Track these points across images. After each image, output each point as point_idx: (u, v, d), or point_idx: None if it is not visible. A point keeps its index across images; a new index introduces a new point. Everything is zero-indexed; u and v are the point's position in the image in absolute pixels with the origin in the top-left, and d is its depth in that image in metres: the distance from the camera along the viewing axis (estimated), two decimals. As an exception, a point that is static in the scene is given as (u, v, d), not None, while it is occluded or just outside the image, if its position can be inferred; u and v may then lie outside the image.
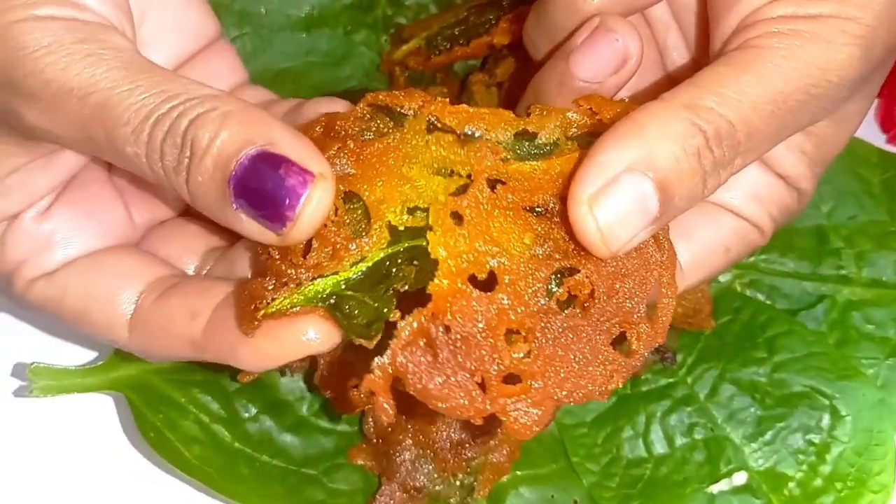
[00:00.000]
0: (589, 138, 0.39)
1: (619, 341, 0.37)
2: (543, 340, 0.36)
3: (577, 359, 0.36)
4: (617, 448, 0.56)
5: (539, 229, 0.37)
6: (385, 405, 0.35)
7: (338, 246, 0.37)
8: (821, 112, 0.40)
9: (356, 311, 0.36)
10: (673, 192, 0.36)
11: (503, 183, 0.38)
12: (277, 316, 0.36)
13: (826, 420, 0.55)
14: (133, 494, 0.55)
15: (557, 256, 0.37)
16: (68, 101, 0.36)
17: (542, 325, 0.36)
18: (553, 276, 0.37)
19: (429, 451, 0.52)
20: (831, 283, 0.59)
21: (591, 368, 0.37)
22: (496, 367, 0.35)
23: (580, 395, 0.37)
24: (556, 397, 0.36)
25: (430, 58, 0.62)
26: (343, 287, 0.36)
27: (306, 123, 0.41)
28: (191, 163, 0.35)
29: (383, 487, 0.53)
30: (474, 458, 0.53)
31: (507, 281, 0.36)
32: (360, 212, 0.37)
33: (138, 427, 0.51)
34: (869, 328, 0.58)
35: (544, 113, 0.40)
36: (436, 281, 0.35)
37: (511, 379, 0.36)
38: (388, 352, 0.35)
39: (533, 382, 0.36)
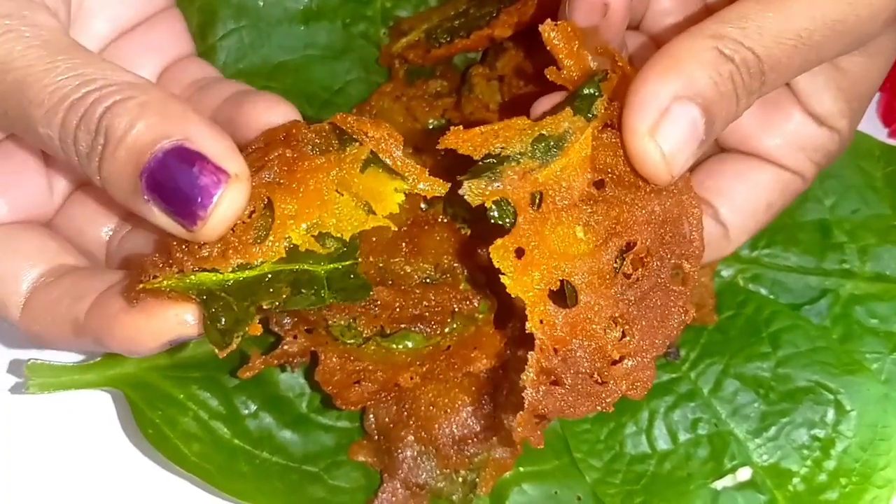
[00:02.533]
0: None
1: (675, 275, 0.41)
2: (630, 317, 0.39)
3: (658, 314, 0.40)
4: (620, 444, 0.55)
5: (586, 219, 0.40)
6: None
7: (231, 247, 0.37)
8: (847, 46, 0.41)
9: (220, 315, 0.37)
10: (715, 115, 0.38)
11: (541, 196, 0.40)
12: (156, 294, 0.36)
13: (831, 415, 0.55)
14: (132, 492, 0.54)
15: (610, 236, 0.39)
16: None
17: (624, 303, 0.39)
18: (615, 258, 0.40)
19: (431, 448, 0.52)
20: (835, 278, 0.59)
21: (669, 314, 0.41)
22: (605, 362, 0.39)
23: (669, 341, 0.41)
24: (654, 355, 0.40)
25: (429, 51, 0.62)
26: (220, 287, 0.37)
27: (275, 127, 0.42)
28: (104, 151, 0.35)
29: (385, 484, 0.52)
30: (477, 455, 0.52)
31: (580, 283, 0.39)
32: (269, 221, 0.38)
33: (137, 424, 0.51)
34: (873, 322, 0.58)
35: (556, 112, 0.41)
36: (529, 322, 0.38)
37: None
38: (526, 401, 0.39)
39: (633, 360, 0.40)
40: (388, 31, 0.64)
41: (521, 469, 0.54)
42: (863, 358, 0.56)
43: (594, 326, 0.39)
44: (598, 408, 0.39)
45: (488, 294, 0.52)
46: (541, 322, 0.38)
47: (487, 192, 0.39)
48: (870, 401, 0.55)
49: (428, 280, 0.52)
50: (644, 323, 0.40)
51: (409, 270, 0.52)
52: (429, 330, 0.50)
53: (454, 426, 0.52)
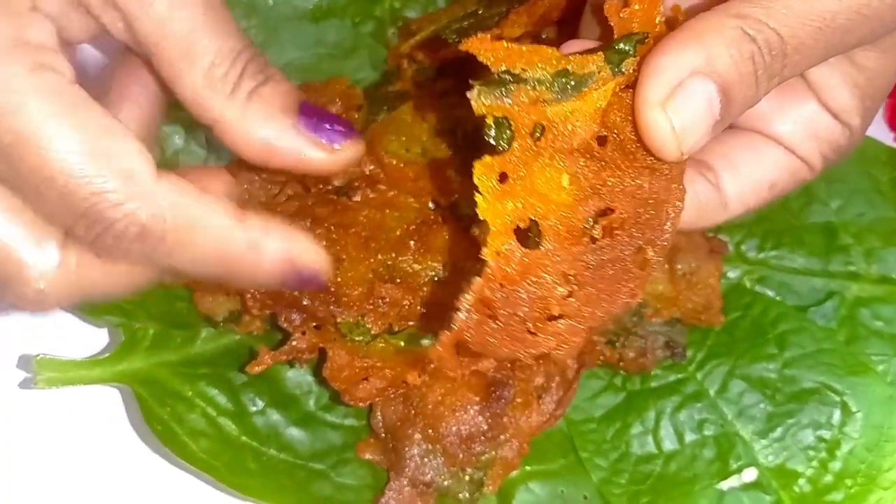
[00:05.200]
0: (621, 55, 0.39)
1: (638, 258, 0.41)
2: (582, 279, 0.39)
3: (608, 286, 0.40)
4: (626, 444, 0.56)
5: (576, 171, 0.39)
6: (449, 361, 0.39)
7: None
8: (870, 34, 0.41)
9: None
10: (733, 95, 0.38)
11: (543, 129, 0.38)
12: None
13: (836, 416, 0.55)
14: (140, 487, 0.55)
15: (592, 194, 0.39)
16: None
17: (581, 264, 0.39)
18: (589, 218, 0.39)
19: (438, 446, 0.52)
20: (840, 280, 0.59)
21: (618, 290, 0.40)
22: (543, 314, 0.38)
23: (607, 317, 0.40)
24: (591, 325, 0.39)
25: (438, 51, 0.62)
26: None
27: None
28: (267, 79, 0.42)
29: (391, 482, 0.52)
30: (484, 453, 0.52)
31: (549, 230, 0.38)
32: None
33: (145, 420, 0.51)
34: (878, 325, 0.58)
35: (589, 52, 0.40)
36: (487, 248, 0.37)
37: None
38: (455, 322, 0.37)
39: (570, 322, 0.39)
40: (397, 31, 0.64)
41: (528, 468, 0.54)
42: (868, 360, 0.56)
43: (546, 276, 0.38)
44: (519, 355, 0.39)
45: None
46: (497, 254, 0.37)
47: (494, 105, 0.38)
48: (875, 402, 0.55)
49: (436, 278, 0.52)
50: (592, 290, 0.39)
51: (417, 269, 0.52)
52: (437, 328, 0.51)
53: (461, 424, 0.52)
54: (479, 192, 0.37)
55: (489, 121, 0.38)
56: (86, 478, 0.54)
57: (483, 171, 0.37)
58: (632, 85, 0.40)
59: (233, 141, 0.41)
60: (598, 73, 0.39)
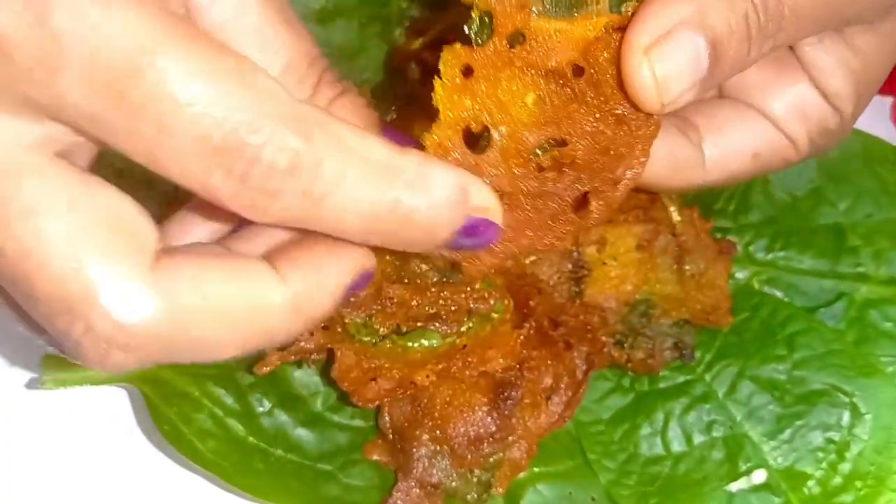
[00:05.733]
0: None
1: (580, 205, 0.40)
2: (514, 202, 0.38)
3: (538, 220, 0.39)
4: (634, 446, 0.55)
5: (543, 92, 0.37)
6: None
7: None
8: (869, 7, 0.40)
9: None
10: (723, 53, 0.36)
11: (524, 38, 0.37)
12: None
13: (846, 418, 0.54)
14: (148, 488, 0.54)
15: (551, 122, 0.38)
16: None
17: (518, 186, 0.38)
18: (542, 144, 0.38)
19: (445, 447, 0.52)
20: (849, 281, 0.59)
21: (546, 228, 0.40)
22: None
23: (525, 249, 0.40)
24: (510, 252, 0.39)
25: (445, 51, 0.62)
26: None
27: None
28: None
29: (399, 483, 0.52)
30: (492, 455, 0.52)
31: (496, 141, 0.37)
32: None
33: (153, 420, 0.51)
34: (887, 326, 0.58)
35: None
36: (428, 135, 0.36)
37: None
38: None
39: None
40: (404, 32, 0.64)
41: (536, 469, 0.54)
42: (878, 361, 0.56)
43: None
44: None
45: (504, 294, 0.52)
46: (438, 144, 0.36)
47: None
48: (885, 404, 0.55)
49: (444, 278, 0.52)
50: (521, 216, 0.38)
51: (425, 269, 0.52)
52: (445, 328, 0.50)
53: (469, 426, 0.52)
54: (439, 77, 0.36)
55: (474, 14, 0.36)
56: (93, 478, 0.54)
57: (450, 59, 0.36)
58: (624, 28, 0.38)
59: None
60: (597, 3, 0.37)
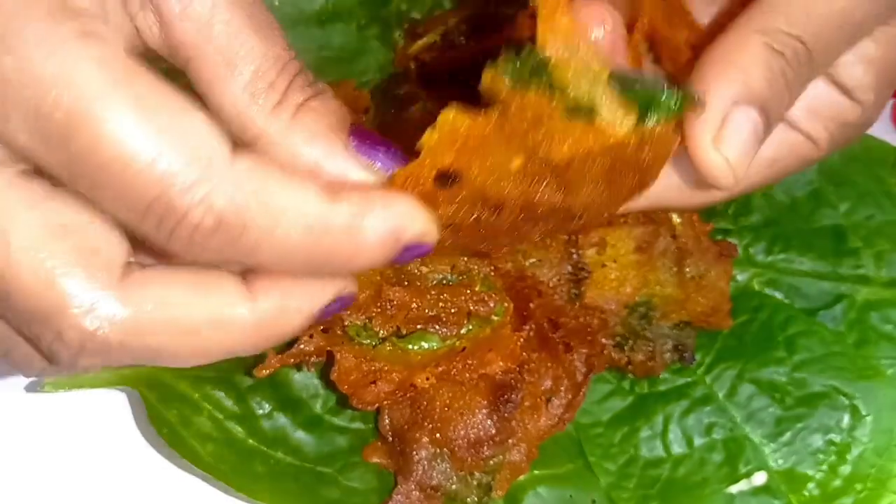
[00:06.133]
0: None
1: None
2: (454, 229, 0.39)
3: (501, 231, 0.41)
4: (634, 448, 0.55)
5: (530, 167, 0.37)
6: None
7: None
8: (886, 13, 0.41)
9: None
10: (771, 112, 0.39)
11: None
12: None
13: (846, 420, 0.54)
14: (147, 491, 0.54)
15: (519, 194, 0.38)
16: None
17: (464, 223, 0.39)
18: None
19: (445, 450, 0.52)
20: (850, 283, 0.59)
21: (511, 233, 0.41)
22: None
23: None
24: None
25: (445, 53, 0.62)
26: None
27: None
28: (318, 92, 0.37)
29: (399, 486, 0.52)
30: (492, 457, 0.52)
31: (468, 183, 0.37)
32: None
33: (152, 423, 0.51)
34: (888, 328, 0.58)
35: None
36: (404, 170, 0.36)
37: None
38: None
39: None
40: (404, 34, 0.64)
41: (536, 472, 0.54)
42: (878, 363, 0.56)
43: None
44: None
45: (504, 296, 0.52)
46: (406, 178, 0.36)
47: (504, 82, 0.34)
48: (885, 406, 0.54)
49: (444, 281, 0.52)
50: (477, 234, 0.40)
51: (424, 271, 0.52)
52: (444, 331, 0.50)
53: (469, 428, 0.52)
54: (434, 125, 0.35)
55: (488, 83, 0.34)
56: (93, 481, 0.54)
57: (448, 121, 0.34)
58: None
59: (276, 159, 0.36)
60: (617, 113, 0.36)
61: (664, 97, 0.36)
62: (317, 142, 0.36)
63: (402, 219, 0.36)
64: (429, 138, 0.35)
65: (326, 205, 0.34)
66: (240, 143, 0.36)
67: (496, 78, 0.34)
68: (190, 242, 0.33)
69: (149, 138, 0.31)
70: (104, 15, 0.34)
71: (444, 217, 0.38)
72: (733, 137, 0.38)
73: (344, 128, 0.37)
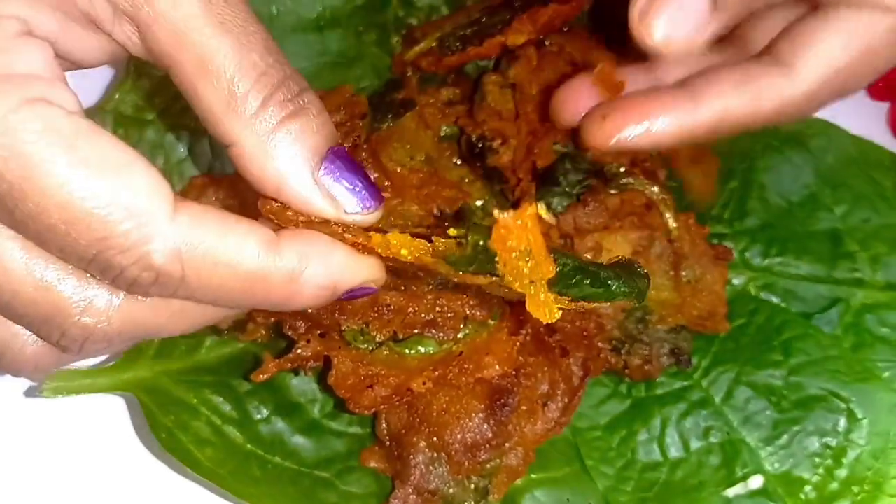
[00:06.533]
0: None
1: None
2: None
3: None
4: (632, 451, 0.55)
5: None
6: None
7: None
8: None
9: None
10: None
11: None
12: None
13: (842, 423, 0.54)
14: (146, 496, 0.54)
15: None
16: None
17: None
18: None
19: (443, 454, 0.52)
20: (846, 287, 0.59)
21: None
22: None
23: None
24: None
25: (441, 59, 0.62)
26: None
27: None
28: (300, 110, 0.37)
29: (397, 490, 0.52)
30: (489, 461, 0.52)
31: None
32: None
33: (150, 428, 0.51)
34: (884, 331, 0.58)
35: None
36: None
37: None
38: None
39: None
40: (401, 40, 0.65)
41: (533, 476, 0.54)
42: (874, 367, 0.56)
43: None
44: None
45: (500, 301, 0.52)
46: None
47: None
48: (882, 409, 0.55)
49: (440, 286, 0.52)
50: None
51: (421, 276, 0.52)
52: (441, 335, 0.51)
53: (466, 432, 0.52)
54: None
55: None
56: (91, 486, 0.54)
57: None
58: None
59: (244, 168, 0.38)
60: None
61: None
62: (287, 163, 0.37)
63: (341, 272, 0.38)
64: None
65: (267, 256, 0.37)
66: (221, 145, 0.38)
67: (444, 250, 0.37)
68: (131, 289, 0.36)
69: (90, 202, 0.33)
70: (52, 72, 0.35)
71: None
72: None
73: (320, 152, 0.38)
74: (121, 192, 0.34)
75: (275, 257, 0.37)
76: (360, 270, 0.39)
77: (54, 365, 0.40)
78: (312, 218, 0.38)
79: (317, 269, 0.38)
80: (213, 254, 0.36)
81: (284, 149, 0.37)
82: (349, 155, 0.39)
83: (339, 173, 0.38)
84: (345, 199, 0.38)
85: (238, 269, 0.36)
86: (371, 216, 0.39)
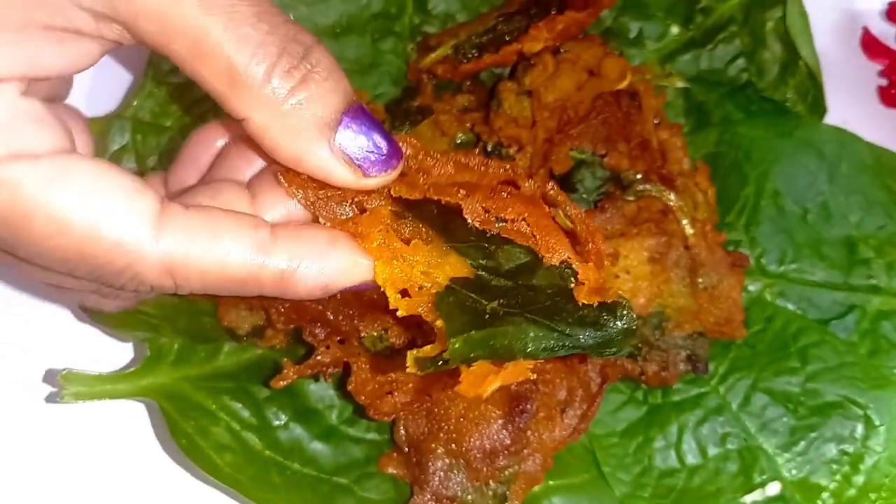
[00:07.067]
0: None
1: None
2: None
3: None
4: (649, 458, 0.55)
5: None
6: None
7: None
8: None
9: None
10: None
11: None
12: None
13: (860, 430, 0.55)
14: (166, 501, 0.55)
15: None
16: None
17: None
18: None
19: (461, 460, 0.52)
20: (861, 293, 0.59)
21: None
22: None
23: None
24: None
25: (457, 66, 0.62)
26: None
27: None
28: (312, 78, 0.36)
29: (415, 497, 0.52)
30: (507, 468, 0.52)
31: None
32: None
33: (171, 434, 0.51)
34: (900, 338, 0.58)
35: None
36: None
37: None
38: None
39: None
40: (416, 47, 0.65)
41: (551, 482, 0.54)
42: (891, 373, 0.56)
43: None
44: None
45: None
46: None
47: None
48: (899, 416, 0.55)
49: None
50: None
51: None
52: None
53: (485, 439, 0.52)
54: None
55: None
56: (112, 491, 0.55)
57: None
58: None
59: (260, 143, 0.38)
60: None
61: None
62: (300, 139, 0.37)
63: (333, 275, 0.38)
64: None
65: (255, 259, 0.37)
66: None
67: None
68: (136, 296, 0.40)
69: (76, 243, 0.35)
70: (17, 116, 0.35)
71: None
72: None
73: (336, 115, 0.37)
74: (101, 226, 0.35)
75: (265, 259, 0.37)
76: (354, 274, 0.39)
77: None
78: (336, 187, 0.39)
79: (309, 271, 0.38)
80: (200, 263, 0.36)
81: (296, 122, 0.37)
82: (365, 111, 0.38)
83: (355, 137, 0.38)
84: (365, 163, 0.38)
85: (226, 273, 0.37)
86: (392, 175, 0.39)
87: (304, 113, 0.36)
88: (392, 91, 0.65)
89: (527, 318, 0.38)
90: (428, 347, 0.38)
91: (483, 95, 0.63)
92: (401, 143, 0.40)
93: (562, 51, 0.60)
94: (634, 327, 0.39)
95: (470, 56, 0.62)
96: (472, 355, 0.37)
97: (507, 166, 0.41)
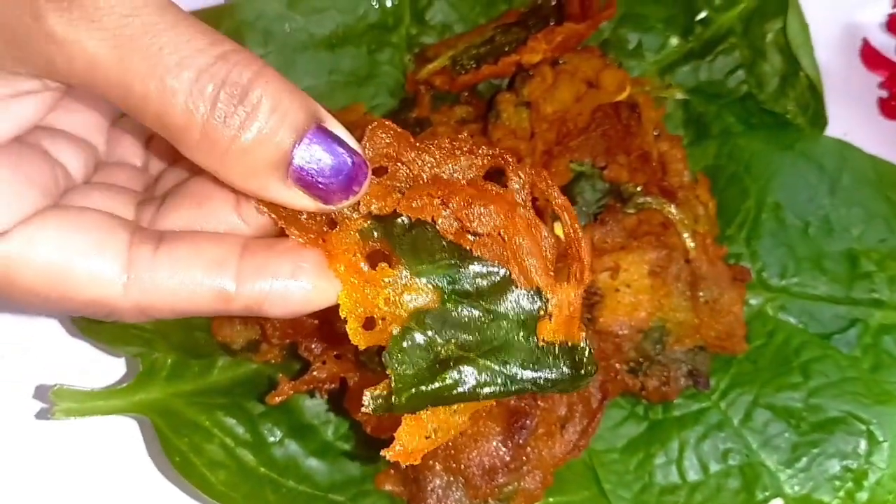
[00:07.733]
0: None
1: None
2: None
3: None
4: (650, 475, 0.55)
5: None
6: None
7: None
8: None
9: None
10: None
11: None
12: None
13: (863, 446, 0.54)
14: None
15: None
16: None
17: None
18: None
19: (459, 477, 0.51)
20: (864, 307, 0.58)
21: None
22: None
23: None
24: None
25: (455, 77, 0.62)
26: None
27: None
28: (249, 118, 0.34)
29: (412, 514, 0.52)
30: (506, 485, 0.51)
31: None
32: None
33: (164, 451, 0.50)
34: (902, 352, 0.57)
35: None
36: None
37: None
38: None
39: None
40: (414, 58, 0.64)
41: (551, 500, 0.54)
42: (894, 388, 0.56)
43: None
44: None
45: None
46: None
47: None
48: (902, 432, 0.54)
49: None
50: None
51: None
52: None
53: (483, 455, 0.51)
54: None
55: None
56: (102, 510, 0.54)
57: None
58: None
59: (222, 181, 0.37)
60: None
61: None
62: (253, 179, 0.36)
63: (298, 302, 0.38)
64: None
65: (224, 295, 0.37)
66: None
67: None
68: None
69: (57, 298, 0.37)
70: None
71: None
72: None
73: (283, 154, 0.35)
74: (72, 290, 0.37)
75: (231, 295, 0.37)
76: (320, 302, 0.38)
77: None
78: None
79: (275, 300, 0.38)
80: (170, 303, 0.37)
81: (245, 166, 0.35)
82: (321, 132, 0.35)
83: (313, 162, 0.35)
84: (323, 193, 0.36)
85: (196, 309, 0.38)
86: (355, 198, 0.37)
87: (251, 157, 0.35)
88: (389, 102, 0.64)
89: (478, 364, 0.37)
90: (382, 385, 0.37)
91: (481, 107, 0.62)
92: (381, 132, 0.39)
93: (560, 62, 0.60)
94: (593, 373, 0.37)
95: (468, 67, 0.61)
96: (416, 406, 0.37)
97: (498, 150, 0.39)
